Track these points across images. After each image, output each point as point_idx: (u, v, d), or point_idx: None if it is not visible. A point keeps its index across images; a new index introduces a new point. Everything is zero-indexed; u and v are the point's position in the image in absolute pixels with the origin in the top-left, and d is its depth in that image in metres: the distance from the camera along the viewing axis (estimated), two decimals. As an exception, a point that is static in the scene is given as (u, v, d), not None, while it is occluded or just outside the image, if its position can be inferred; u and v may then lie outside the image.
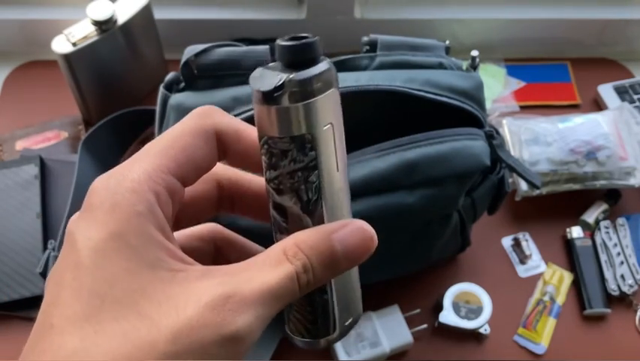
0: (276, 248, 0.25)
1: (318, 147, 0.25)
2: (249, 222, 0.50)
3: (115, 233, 0.23)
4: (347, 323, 0.29)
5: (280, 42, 0.25)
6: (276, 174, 0.26)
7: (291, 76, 0.24)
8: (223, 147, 0.27)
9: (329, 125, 0.25)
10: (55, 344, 0.22)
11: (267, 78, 0.25)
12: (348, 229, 0.26)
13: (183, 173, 0.26)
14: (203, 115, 0.27)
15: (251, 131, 0.27)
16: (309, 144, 0.25)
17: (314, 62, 0.25)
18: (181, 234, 0.30)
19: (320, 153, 0.25)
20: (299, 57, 0.25)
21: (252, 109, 0.53)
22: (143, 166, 0.25)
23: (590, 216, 0.74)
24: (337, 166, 0.26)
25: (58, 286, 0.24)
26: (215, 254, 0.30)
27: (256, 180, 0.29)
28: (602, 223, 0.74)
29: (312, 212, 0.26)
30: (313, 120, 0.25)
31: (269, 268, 0.24)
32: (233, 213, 0.30)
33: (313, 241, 0.25)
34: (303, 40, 0.25)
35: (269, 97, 0.25)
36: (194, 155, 0.26)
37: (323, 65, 0.25)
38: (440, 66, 0.59)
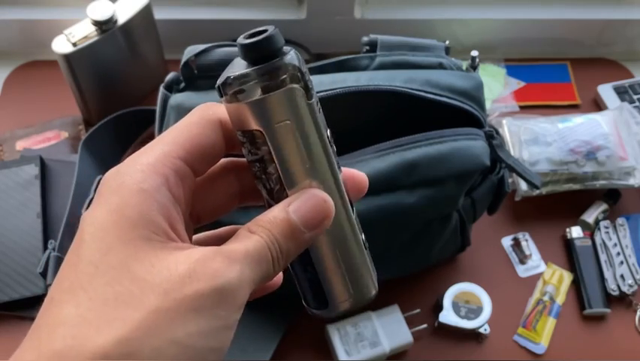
0: (242, 229, 0.27)
1: (271, 142, 0.26)
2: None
3: (115, 207, 0.24)
4: (344, 302, 0.29)
5: (239, 39, 0.25)
6: (244, 160, 0.27)
7: (232, 75, 0.25)
8: (230, 138, 0.28)
9: (285, 122, 0.25)
10: (52, 315, 0.23)
11: (226, 73, 0.26)
12: (300, 198, 0.27)
13: (192, 160, 0.27)
14: (207, 108, 0.28)
15: None
16: (259, 139, 0.26)
17: (269, 58, 0.25)
18: (202, 236, 0.31)
19: (275, 149, 0.26)
20: (252, 55, 0.25)
21: None
22: (152, 153, 0.26)
23: (590, 216, 0.74)
24: (307, 161, 0.26)
25: (62, 265, 0.25)
26: None
27: None
28: (602, 223, 0.74)
29: (277, 199, 0.27)
30: (261, 117, 0.25)
31: (242, 240, 0.26)
32: (260, 203, 0.31)
33: (269, 217, 0.27)
34: (252, 40, 0.25)
35: (219, 92, 0.26)
36: (201, 143, 0.27)
37: (271, 64, 0.25)
38: (440, 66, 0.59)
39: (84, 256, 0.24)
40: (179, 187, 0.26)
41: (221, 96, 0.26)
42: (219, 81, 0.25)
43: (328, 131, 0.28)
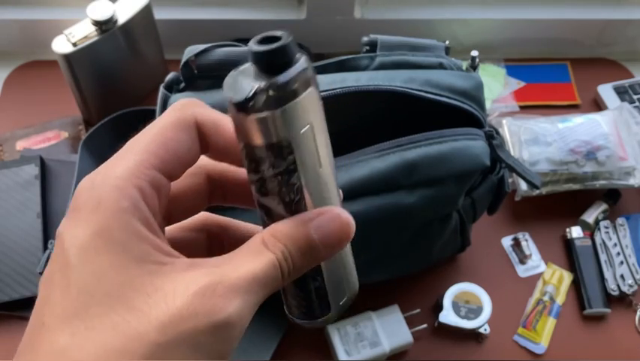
0: (256, 239, 0.26)
1: (296, 150, 0.25)
2: (249, 221, 0.49)
3: (100, 230, 0.23)
4: (342, 302, 0.29)
5: (252, 46, 0.24)
6: (256, 177, 0.26)
7: (262, 85, 0.24)
8: (204, 140, 0.27)
9: (307, 127, 0.25)
10: (47, 342, 0.22)
11: (239, 85, 0.24)
12: (324, 217, 0.26)
13: (167, 167, 0.26)
14: (182, 108, 0.27)
15: (230, 125, 0.27)
16: (286, 149, 0.25)
17: (288, 65, 0.24)
18: (172, 227, 0.30)
19: (299, 156, 0.25)
20: (271, 62, 0.24)
21: None
22: (126, 163, 0.25)
23: (590, 216, 0.74)
24: (320, 163, 0.26)
25: (48, 286, 0.24)
26: (209, 244, 0.30)
27: (244, 171, 0.29)
28: (602, 223, 0.74)
29: (295, 211, 0.26)
30: (289, 126, 0.24)
31: (252, 257, 0.25)
32: (226, 203, 0.30)
33: (289, 230, 0.26)
34: (273, 46, 0.24)
35: (241, 107, 0.24)
36: (175, 148, 0.26)
37: (296, 68, 0.24)
38: (440, 66, 0.59)
39: (75, 281, 0.23)
40: (155, 198, 0.25)
41: (239, 110, 0.24)
42: (237, 97, 0.24)
43: None
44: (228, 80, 0.25)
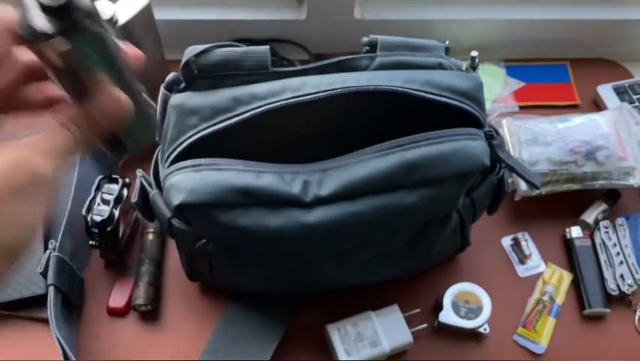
0: (54, 123, 0.37)
1: (75, 56, 0.35)
2: (250, 222, 0.50)
3: None
4: (136, 145, 0.45)
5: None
6: (51, 71, 0.37)
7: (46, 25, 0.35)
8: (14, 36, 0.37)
9: (80, 38, 0.35)
10: None
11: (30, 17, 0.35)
12: (103, 97, 0.38)
13: None
14: None
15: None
16: (68, 57, 0.35)
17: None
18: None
19: (79, 59, 0.36)
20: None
21: (253, 109, 0.53)
22: None
23: (590, 216, 0.74)
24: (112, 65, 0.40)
25: None
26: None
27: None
28: (602, 223, 0.74)
29: (82, 94, 0.38)
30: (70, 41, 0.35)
31: (54, 136, 0.37)
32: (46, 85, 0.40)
33: (78, 111, 0.37)
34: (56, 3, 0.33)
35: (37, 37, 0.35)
36: None
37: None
38: (440, 66, 0.59)
39: None
40: None
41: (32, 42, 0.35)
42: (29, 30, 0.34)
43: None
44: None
